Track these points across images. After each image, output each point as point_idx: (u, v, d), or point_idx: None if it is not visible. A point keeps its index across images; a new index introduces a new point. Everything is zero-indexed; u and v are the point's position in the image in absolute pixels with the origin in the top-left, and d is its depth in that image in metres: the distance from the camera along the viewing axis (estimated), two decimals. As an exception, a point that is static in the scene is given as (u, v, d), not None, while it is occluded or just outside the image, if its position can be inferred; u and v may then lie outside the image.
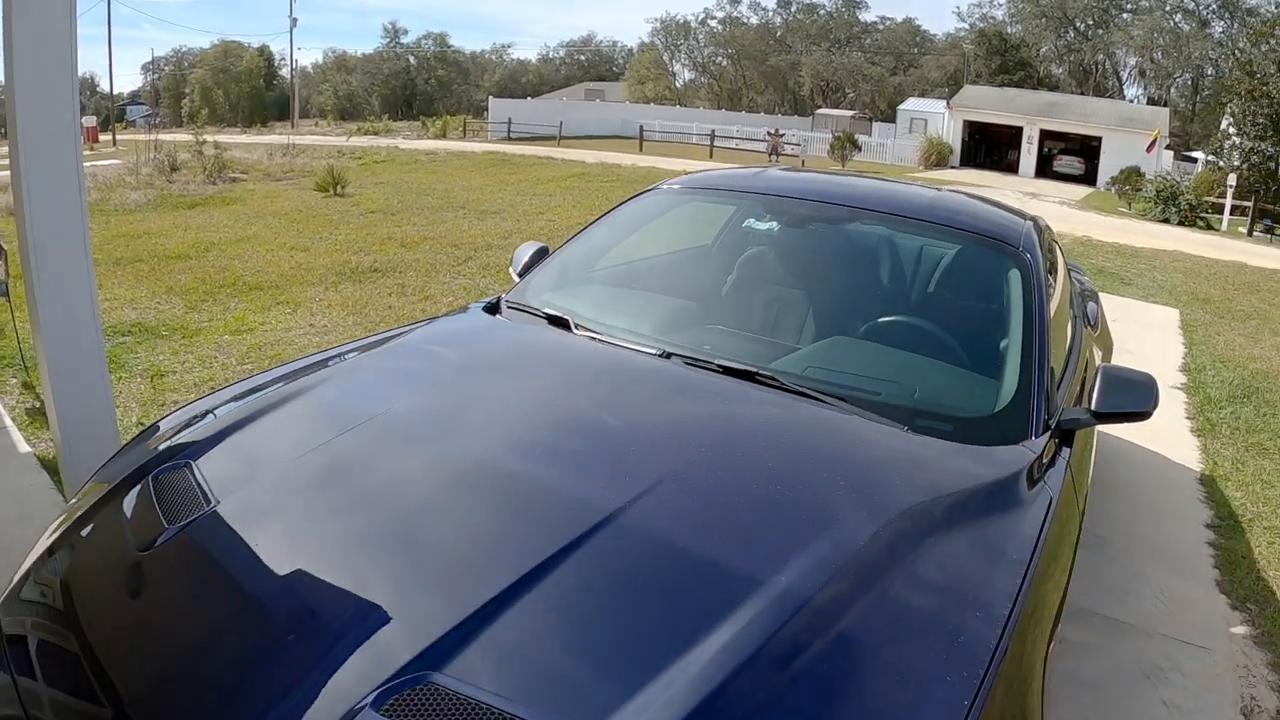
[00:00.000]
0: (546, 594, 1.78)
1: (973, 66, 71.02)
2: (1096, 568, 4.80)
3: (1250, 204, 30.17)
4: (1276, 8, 34.05)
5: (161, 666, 1.74)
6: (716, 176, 4.49)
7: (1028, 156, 49.94)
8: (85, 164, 3.81)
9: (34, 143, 3.53)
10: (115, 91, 75.95)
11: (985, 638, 1.79)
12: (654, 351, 3.04)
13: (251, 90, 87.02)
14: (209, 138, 23.35)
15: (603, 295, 3.86)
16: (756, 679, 1.60)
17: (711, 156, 39.27)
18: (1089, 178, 46.49)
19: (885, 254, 3.91)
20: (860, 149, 43.85)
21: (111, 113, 57.35)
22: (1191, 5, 65.52)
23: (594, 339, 3.16)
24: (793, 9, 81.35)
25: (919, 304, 3.82)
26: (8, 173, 3.69)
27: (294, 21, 68.10)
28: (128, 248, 11.03)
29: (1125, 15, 68.93)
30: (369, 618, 1.72)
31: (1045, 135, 50.17)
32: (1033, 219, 4.13)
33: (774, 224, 4.02)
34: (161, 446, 2.52)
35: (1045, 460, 2.68)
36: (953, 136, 50.94)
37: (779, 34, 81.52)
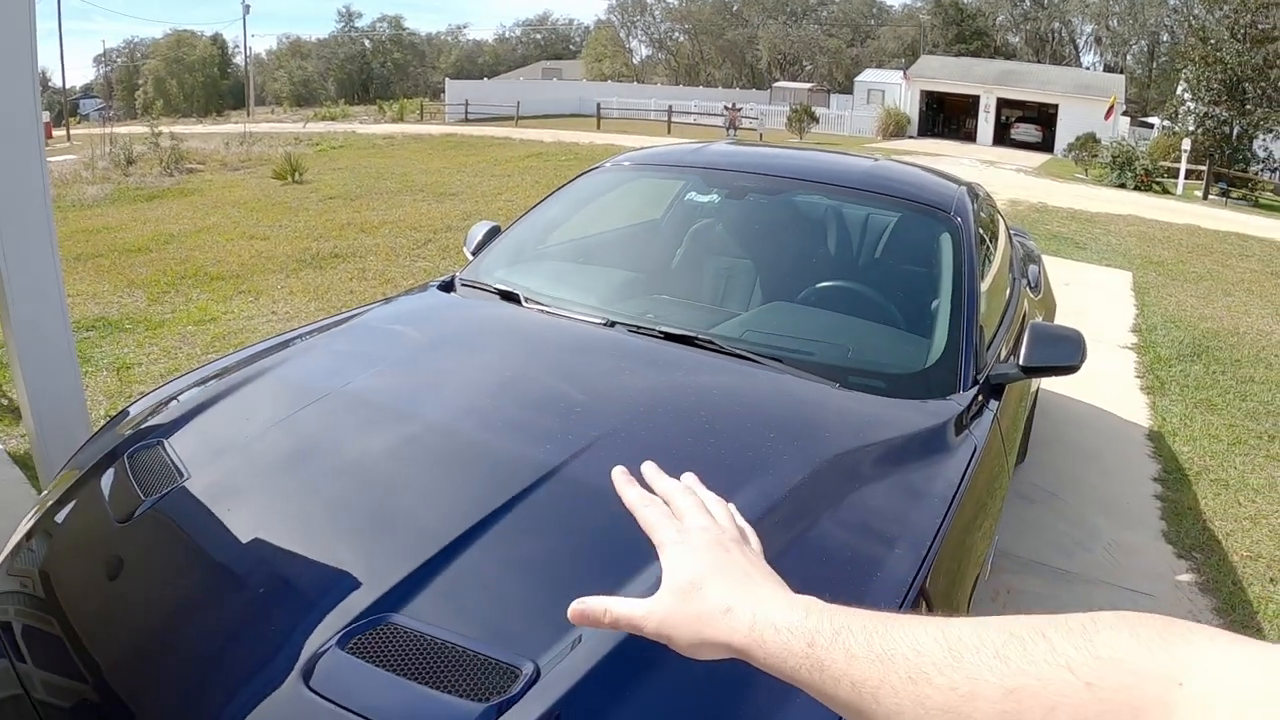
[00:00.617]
0: (494, 540, 1.90)
1: (930, 37, 71.22)
2: (1047, 522, 4.94)
3: (1205, 168, 30.45)
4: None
5: (148, 629, 1.84)
6: (663, 152, 4.59)
7: (985, 125, 50.20)
8: (44, 160, 3.83)
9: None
10: (67, 85, 75.23)
11: (904, 572, 1.90)
12: (599, 321, 3.15)
13: (206, 80, 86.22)
14: (165, 129, 23.11)
15: (553, 270, 3.96)
16: None
17: (669, 132, 39.23)
18: (1046, 145, 46.74)
19: (824, 223, 4.01)
20: (818, 121, 43.97)
21: (65, 107, 56.73)
22: (1145, -29, 65.86)
23: (544, 312, 3.26)
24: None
25: (855, 269, 3.93)
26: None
27: (247, 8, 67.23)
28: (87, 243, 10.98)
29: (1080, -18, 69.24)
30: (332, 573, 1.83)
31: (1002, 104, 50.41)
32: (967, 185, 4.24)
33: (714, 196, 4.12)
34: (132, 429, 2.60)
35: (973, 412, 2.80)
36: (910, 107, 51.10)
37: (735, 8, 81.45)
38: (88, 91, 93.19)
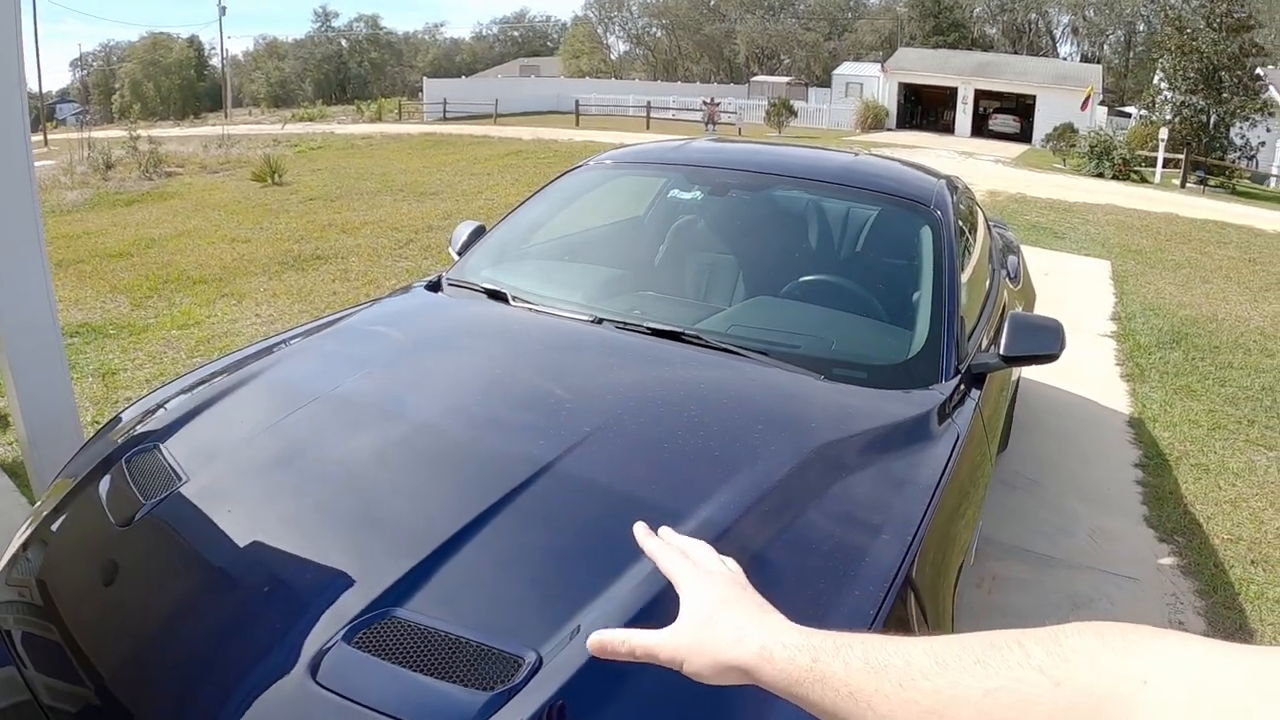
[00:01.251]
0: (490, 536, 1.93)
1: (907, 29, 71.34)
2: (1029, 509, 4.99)
3: (1182, 157, 30.62)
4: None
5: (154, 631, 1.87)
6: (644, 150, 4.64)
7: (963, 116, 50.33)
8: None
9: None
10: (44, 90, 74.75)
11: (890, 560, 1.94)
12: (586, 318, 3.18)
13: (183, 82, 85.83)
14: (143, 133, 22.93)
15: (539, 269, 3.99)
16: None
17: (648, 128, 39.19)
18: (1024, 136, 46.96)
19: (806, 218, 4.06)
20: (796, 115, 43.90)
21: (42, 112, 56.34)
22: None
23: (531, 310, 3.29)
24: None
25: (837, 263, 3.98)
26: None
27: (223, 9, 67.24)
28: (69, 249, 10.92)
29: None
30: (333, 571, 1.86)
31: (980, 95, 50.56)
32: (946, 178, 4.30)
33: (697, 193, 4.17)
34: (125, 436, 2.62)
35: (955, 401, 2.85)
36: (888, 99, 51.23)
37: (713, 3, 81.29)
38: (64, 96, 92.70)
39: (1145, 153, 31.46)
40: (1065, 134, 35.43)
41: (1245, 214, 21.34)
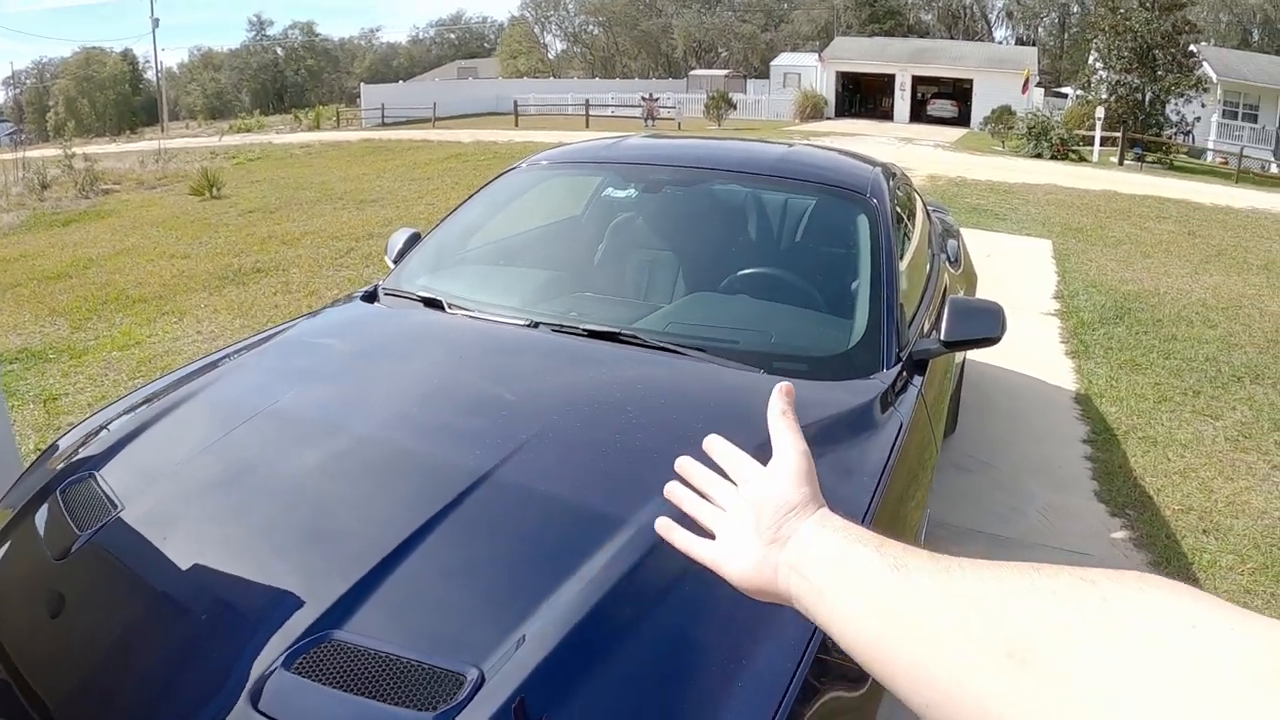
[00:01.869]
0: (430, 549, 1.91)
1: (843, 18, 71.74)
2: (982, 491, 5.02)
3: (1119, 134, 31.07)
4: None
5: (94, 665, 1.83)
6: (579, 149, 4.59)
7: (901, 103, 50.72)
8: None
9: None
10: (-27, 110, 73.62)
11: None
12: (523, 322, 3.15)
13: (118, 97, 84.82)
14: (78, 150, 22.56)
15: (475, 274, 3.95)
16: (624, 599, 1.76)
17: (588, 126, 39.04)
18: (963, 120, 47.37)
19: (743, 211, 4.04)
20: (735, 107, 44.03)
21: (-27, 133, 55.55)
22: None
23: (468, 316, 3.25)
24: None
25: (776, 255, 3.97)
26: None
27: (156, 22, 65.92)
28: (5, 272, 10.71)
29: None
30: (273, 593, 1.83)
31: (918, 81, 50.98)
32: (882, 165, 4.29)
33: (632, 191, 4.14)
34: (62, 464, 2.56)
35: (897, 389, 2.84)
36: (826, 88, 51.46)
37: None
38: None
39: (1083, 132, 31.86)
40: (1003, 116, 35.79)
41: (1183, 188, 21.67)
